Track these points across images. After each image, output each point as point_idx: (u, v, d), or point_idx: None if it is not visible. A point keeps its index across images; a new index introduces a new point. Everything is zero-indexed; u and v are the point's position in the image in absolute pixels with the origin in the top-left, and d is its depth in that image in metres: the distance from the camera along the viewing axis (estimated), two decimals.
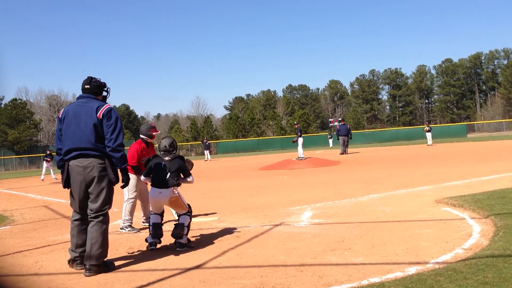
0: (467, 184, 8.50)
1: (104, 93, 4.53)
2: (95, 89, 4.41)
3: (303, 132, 22.43)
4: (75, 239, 4.28)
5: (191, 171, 5.27)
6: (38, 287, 3.83)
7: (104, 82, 4.53)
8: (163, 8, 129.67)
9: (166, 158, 5.08)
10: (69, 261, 4.35)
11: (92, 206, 4.21)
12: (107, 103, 4.42)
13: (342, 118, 33.33)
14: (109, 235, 5.81)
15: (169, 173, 4.99)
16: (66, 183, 4.30)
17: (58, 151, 4.37)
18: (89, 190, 4.22)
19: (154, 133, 6.48)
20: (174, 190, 5.01)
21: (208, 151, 33.31)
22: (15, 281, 4.08)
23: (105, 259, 4.21)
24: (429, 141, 28.67)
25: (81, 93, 4.44)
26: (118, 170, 4.35)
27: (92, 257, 4.07)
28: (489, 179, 8.91)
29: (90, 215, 4.21)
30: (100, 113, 4.22)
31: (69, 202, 4.42)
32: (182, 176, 5.13)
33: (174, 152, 5.23)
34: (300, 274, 3.66)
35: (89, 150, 4.18)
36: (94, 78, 4.45)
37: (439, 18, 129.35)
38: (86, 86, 4.38)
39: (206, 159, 33.28)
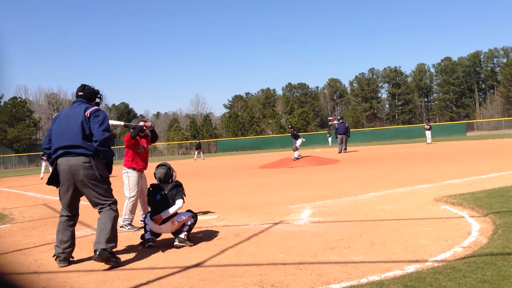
0: (466, 182, 8.51)
1: (97, 100, 4.68)
2: (88, 95, 4.60)
3: (301, 130, 22.25)
4: (60, 234, 4.39)
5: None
6: (38, 285, 3.82)
7: (97, 90, 4.71)
8: (162, 6, 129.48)
9: (163, 192, 4.99)
10: (54, 256, 4.42)
11: (94, 204, 4.35)
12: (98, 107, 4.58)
13: (341, 116, 33.34)
14: None
15: (165, 206, 4.90)
16: (51, 181, 4.40)
17: (44, 150, 4.58)
18: (83, 192, 4.34)
19: (144, 128, 6.45)
20: (174, 220, 4.93)
21: (198, 150, 33.78)
22: (14, 279, 4.08)
23: (113, 249, 4.26)
24: (429, 139, 28.69)
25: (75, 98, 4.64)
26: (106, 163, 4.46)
27: (101, 242, 4.15)
28: (488, 178, 8.91)
29: (96, 209, 4.37)
30: (88, 112, 4.37)
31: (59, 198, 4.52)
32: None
33: (170, 181, 5.13)
34: (300, 272, 3.66)
35: (74, 148, 4.28)
36: (88, 85, 4.65)
37: (438, 16, 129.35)
38: (79, 93, 4.58)
39: (195, 158, 34.35)
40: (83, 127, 4.30)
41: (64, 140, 4.31)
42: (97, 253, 4.11)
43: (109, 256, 4.15)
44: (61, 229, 4.40)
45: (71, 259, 4.44)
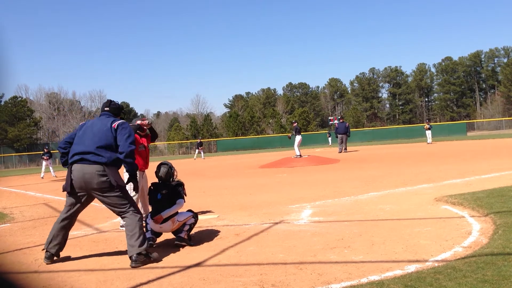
0: (467, 182, 8.50)
1: (122, 115, 4.80)
2: (114, 110, 4.72)
3: (302, 130, 22.23)
4: (53, 231, 4.46)
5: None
6: (38, 284, 3.83)
7: (122, 105, 4.87)
8: (163, 6, 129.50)
9: (164, 191, 5.00)
10: (43, 249, 4.49)
11: (115, 212, 4.43)
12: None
13: (341, 116, 33.40)
14: (108, 233, 5.84)
15: (166, 206, 4.91)
16: (68, 187, 4.42)
17: (59, 148, 4.64)
18: (100, 200, 4.39)
19: (144, 127, 6.46)
20: (174, 220, 4.94)
21: (199, 149, 33.95)
22: (14, 279, 4.08)
23: (146, 250, 4.30)
24: (429, 139, 28.68)
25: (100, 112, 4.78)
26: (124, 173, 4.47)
27: (134, 246, 4.20)
28: (489, 177, 8.91)
29: (118, 215, 4.47)
30: (115, 124, 4.44)
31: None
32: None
33: (171, 180, 5.15)
34: (300, 272, 3.66)
35: (90, 155, 4.28)
36: (113, 101, 4.81)
37: (438, 16, 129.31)
38: (106, 108, 4.69)
39: (195, 157, 34.61)
40: (107, 136, 4.34)
41: (82, 146, 4.34)
42: (133, 258, 4.17)
43: (145, 259, 4.23)
44: (56, 227, 4.47)
45: (55, 258, 4.47)
